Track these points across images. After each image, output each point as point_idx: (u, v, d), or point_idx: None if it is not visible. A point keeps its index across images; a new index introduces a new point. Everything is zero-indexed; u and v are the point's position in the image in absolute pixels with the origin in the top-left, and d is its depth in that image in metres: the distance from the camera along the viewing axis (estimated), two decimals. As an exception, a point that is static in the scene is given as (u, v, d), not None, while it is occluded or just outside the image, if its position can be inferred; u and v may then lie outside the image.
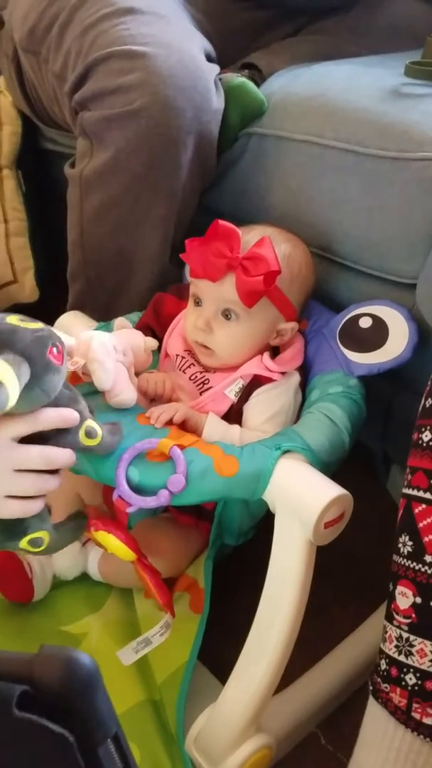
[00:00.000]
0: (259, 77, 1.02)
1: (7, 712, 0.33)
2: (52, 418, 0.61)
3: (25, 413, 0.60)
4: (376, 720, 0.60)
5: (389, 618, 0.62)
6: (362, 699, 0.64)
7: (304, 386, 0.83)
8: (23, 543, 0.63)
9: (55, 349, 0.59)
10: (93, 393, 0.74)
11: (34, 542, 0.64)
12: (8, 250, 1.24)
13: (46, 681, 0.33)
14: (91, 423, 0.65)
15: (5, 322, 0.59)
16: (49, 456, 0.61)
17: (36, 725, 0.33)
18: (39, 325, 0.61)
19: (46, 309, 1.01)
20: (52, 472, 0.63)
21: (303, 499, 0.65)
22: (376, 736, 0.59)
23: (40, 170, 1.28)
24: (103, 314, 0.93)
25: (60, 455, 0.62)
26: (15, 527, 0.63)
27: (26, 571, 0.85)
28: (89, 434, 0.65)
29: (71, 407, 0.63)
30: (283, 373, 0.81)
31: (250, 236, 0.78)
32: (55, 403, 0.62)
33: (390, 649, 0.61)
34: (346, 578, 0.92)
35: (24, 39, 1.05)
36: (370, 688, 0.62)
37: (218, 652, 0.74)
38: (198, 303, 0.81)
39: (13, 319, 0.59)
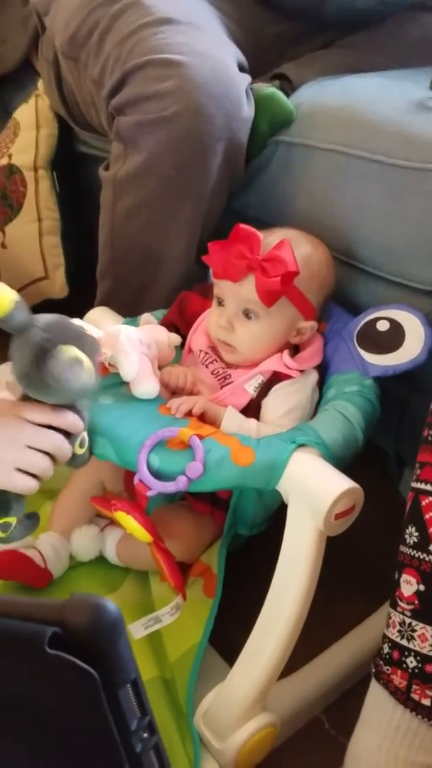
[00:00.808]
0: (289, 87, 1.05)
1: (40, 650, 0.36)
2: (69, 419, 0.68)
3: (49, 406, 0.66)
4: (377, 700, 0.63)
5: (393, 605, 0.64)
6: (366, 687, 0.67)
7: (321, 385, 0.86)
8: None
9: (99, 358, 0.68)
10: (118, 383, 0.78)
11: (5, 526, 0.68)
12: (41, 247, 1.29)
13: (75, 623, 0.37)
14: (85, 434, 0.72)
15: (69, 321, 0.66)
16: (59, 443, 0.67)
17: (65, 662, 0.36)
18: (92, 332, 0.68)
19: (75, 304, 1.06)
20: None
21: (315, 490, 0.68)
22: (376, 715, 0.62)
23: (74, 172, 1.33)
24: (129, 311, 0.97)
25: (65, 447, 0.68)
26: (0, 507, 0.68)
27: (37, 562, 0.87)
28: (81, 443, 0.71)
29: (82, 416, 0.70)
30: (301, 371, 0.84)
31: (271, 238, 0.81)
32: (75, 407, 0.69)
33: (393, 633, 0.63)
34: (357, 573, 0.94)
35: (64, 45, 1.09)
36: (373, 670, 0.65)
37: (228, 635, 0.77)
38: (221, 303, 0.85)
39: (76, 322, 0.67)
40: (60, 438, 0.67)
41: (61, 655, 0.36)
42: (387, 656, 0.64)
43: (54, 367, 0.61)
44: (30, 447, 0.66)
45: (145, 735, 0.42)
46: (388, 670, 0.63)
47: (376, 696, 0.64)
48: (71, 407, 0.69)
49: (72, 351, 0.62)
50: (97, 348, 0.67)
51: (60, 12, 1.12)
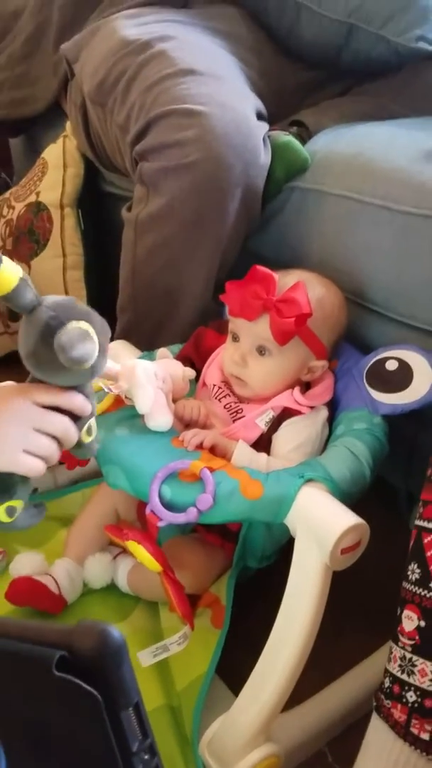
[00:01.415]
0: (306, 134, 1.09)
1: (48, 672, 0.39)
2: (76, 401, 0.66)
3: (57, 387, 0.66)
4: (377, 732, 0.64)
5: (395, 639, 0.66)
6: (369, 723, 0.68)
7: (331, 421, 0.89)
8: (1, 508, 0.67)
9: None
10: (133, 416, 0.81)
11: (10, 510, 0.67)
12: (65, 281, 1.34)
13: (82, 648, 0.39)
14: (93, 421, 0.71)
15: (77, 302, 0.65)
16: (67, 426, 0.66)
17: (71, 684, 0.39)
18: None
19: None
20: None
21: (322, 525, 0.70)
22: (376, 747, 0.64)
23: (98, 210, 1.37)
24: (147, 344, 1.00)
25: (72, 430, 0.67)
26: (4, 489, 0.66)
27: (52, 589, 0.89)
28: (89, 431, 0.71)
29: (90, 399, 0.69)
30: (311, 407, 0.87)
31: (286, 280, 0.85)
32: (83, 390, 0.68)
33: (394, 668, 0.65)
34: (365, 609, 0.95)
35: (92, 91, 1.15)
36: (374, 703, 0.67)
37: (235, 665, 0.78)
38: (236, 339, 0.88)
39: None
40: (67, 421, 0.66)
41: (68, 678, 0.39)
42: (388, 690, 0.65)
43: (61, 340, 0.60)
44: (37, 430, 0.65)
45: (146, 757, 0.44)
46: (388, 703, 0.65)
47: (377, 728, 0.65)
48: (79, 390, 0.67)
49: (81, 324, 0.62)
50: (107, 331, 0.66)
51: (89, 59, 1.18)
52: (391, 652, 0.66)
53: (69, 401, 0.66)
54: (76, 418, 0.68)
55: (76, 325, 0.61)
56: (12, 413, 0.64)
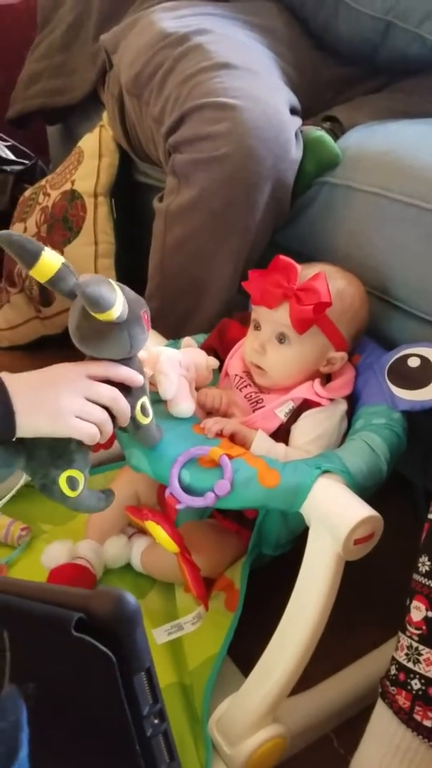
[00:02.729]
0: (339, 129, 1.10)
1: (67, 632, 0.41)
2: (123, 372, 0.72)
3: (105, 360, 0.71)
4: (381, 718, 0.66)
5: (403, 629, 0.67)
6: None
7: (350, 415, 0.90)
8: (62, 477, 0.70)
9: (146, 314, 0.71)
10: (157, 401, 0.84)
11: (71, 481, 0.71)
12: (95, 268, 1.37)
13: (99, 611, 0.42)
14: (147, 401, 0.75)
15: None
16: (116, 396, 0.71)
17: (87, 645, 0.41)
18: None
19: (124, 324, 1.12)
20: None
21: (336, 516, 0.71)
22: (379, 733, 0.65)
23: (130, 199, 1.40)
24: (173, 333, 1.02)
25: (122, 401, 0.71)
26: (62, 455, 0.70)
27: (93, 574, 0.93)
28: (143, 410, 0.74)
29: (140, 371, 0.73)
30: (331, 400, 0.88)
31: (308, 271, 0.86)
32: (130, 364, 0.73)
33: (400, 656, 0.66)
34: (377, 601, 0.96)
35: (129, 82, 1.17)
36: (379, 690, 0.68)
37: (246, 648, 0.80)
38: (257, 327, 0.90)
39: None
40: (116, 391, 0.71)
41: (85, 638, 0.41)
42: (393, 677, 0.67)
43: (82, 283, 0.64)
44: (88, 399, 0.69)
45: (156, 721, 0.46)
46: (393, 690, 0.66)
47: (381, 714, 0.67)
48: (127, 365, 0.72)
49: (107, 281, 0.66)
50: (142, 304, 0.71)
51: (127, 51, 1.19)
52: (399, 641, 0.68)
53: (116, 372, 0.71)
54: (128, 391, 0.72)
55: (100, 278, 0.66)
56: (66, 383, 0.69)
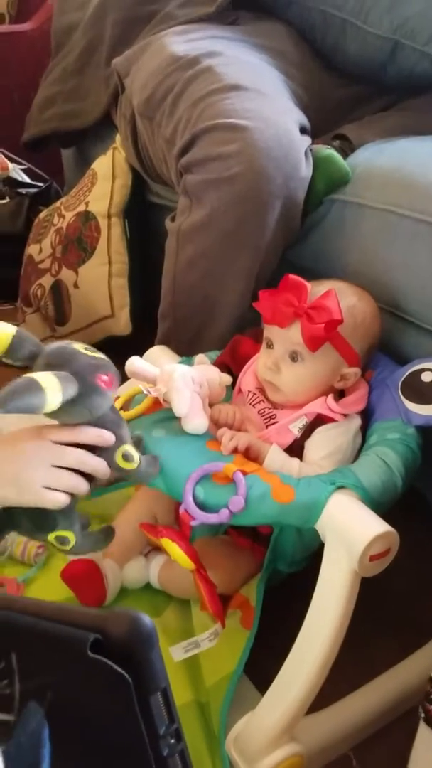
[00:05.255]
0: (349, 147, 1.11)
1: (83, 652, 0.42)
2: (90, 434, 0.72)
3: (70, 425, 0.72)
4: (427, 745, 0.65)
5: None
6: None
7: (364, 430, 0.90)
8: (51, 537, 0.73)
9: (105, 376, 0.71)
10: (170, 418, 0.84)
11: (60, 539, 0.73)
12: (109, 288, 1.38)
13: (115, 632, 0.42)
14: (128, 448, 0.75)
15: (71, 347, 0.71)
16: (82, 458, 0.72)
17: (103, 666, 0.42)
18: (99, 355, 0.72)
19: (137, 342, 1.14)
20: (87, 479, 0.73)
21: (351, 531, 0.71)
22: (427, 761, 0.64)
23: (143, 219, 1.41)
24: (186, 350, 1.03)
25: (91, 461, 0.72)
26: (44, 521, 0.72)
27: (103, 578, 0.92)
28: (126, 457, 0.75)
29: (112, 430, 0.73)
30: (345, 415, 0.88)
31: (319, 288, 0.87)
32: (99, 424, 0.73)
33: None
34: (394, 619, 0.96)
35: (141, 105, 1.19)
36: (422, 714, 0.67)
37: (262, 666, 0.80)
38: (270, 345, 0.90)
39: (80, 347, 0.71)
40: (84, 453, 0.72)
41: (100, 659, 0.42)
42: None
43: (6, 387, 0.64)
44: (55, 466, 0.70)
45: (172, 741, 0.46)
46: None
47: (427, 738, 0.65)
48: (97, 423, 0.72)
49: (44, 375, 0.65)
50: (100, 366, 0.70)
51: (139, 74, 1.21)
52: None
53: (79, 436, 0.72)
54: (99, 449, 0.73)
55: (30, 376, 0.65)
56: (29, 454, 0.70)
